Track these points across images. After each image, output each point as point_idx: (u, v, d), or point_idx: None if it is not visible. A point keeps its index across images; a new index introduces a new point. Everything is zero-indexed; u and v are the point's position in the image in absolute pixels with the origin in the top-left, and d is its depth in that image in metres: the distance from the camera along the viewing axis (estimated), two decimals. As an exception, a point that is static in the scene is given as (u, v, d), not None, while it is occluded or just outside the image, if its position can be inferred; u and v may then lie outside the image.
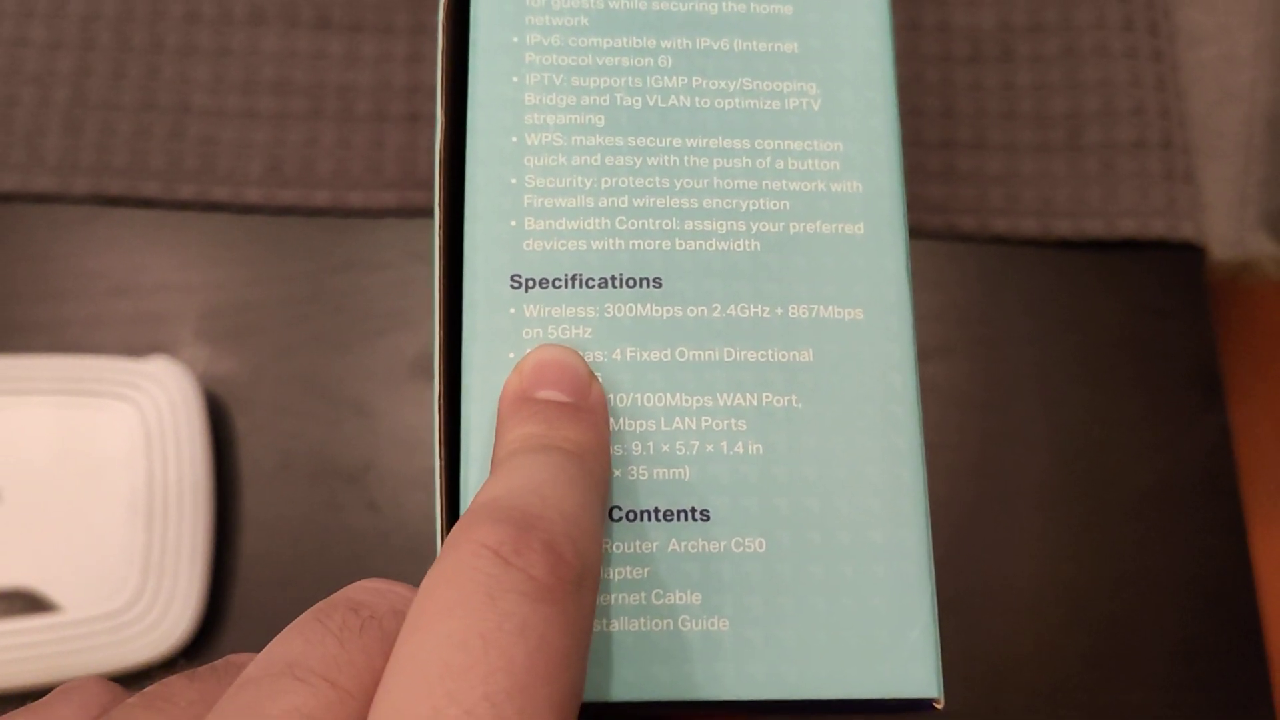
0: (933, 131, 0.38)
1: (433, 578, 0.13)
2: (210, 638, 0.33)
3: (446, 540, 0.14)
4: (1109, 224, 0.37)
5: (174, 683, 0.15)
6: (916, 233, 0.37)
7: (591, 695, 0.15)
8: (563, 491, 0.14)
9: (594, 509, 0.15)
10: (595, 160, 0.17)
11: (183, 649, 0.32)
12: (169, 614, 0.32)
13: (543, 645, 0.12)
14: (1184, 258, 0.37)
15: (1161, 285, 0.37)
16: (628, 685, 0.15)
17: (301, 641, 0.14)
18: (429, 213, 0.37)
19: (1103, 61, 0.38)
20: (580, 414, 0.15)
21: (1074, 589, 0.35)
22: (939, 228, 0.37)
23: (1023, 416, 0.36)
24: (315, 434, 0.35)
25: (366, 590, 0.15)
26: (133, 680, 0.32)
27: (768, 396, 0.16)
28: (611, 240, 0.17)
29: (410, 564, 0.34)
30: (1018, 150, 0.38)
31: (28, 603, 0.32)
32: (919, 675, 0.15)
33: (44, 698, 0.15)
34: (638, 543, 0.16)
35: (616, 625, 0.15)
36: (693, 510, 0.16)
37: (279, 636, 0.14)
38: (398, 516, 0.35)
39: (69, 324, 0.36)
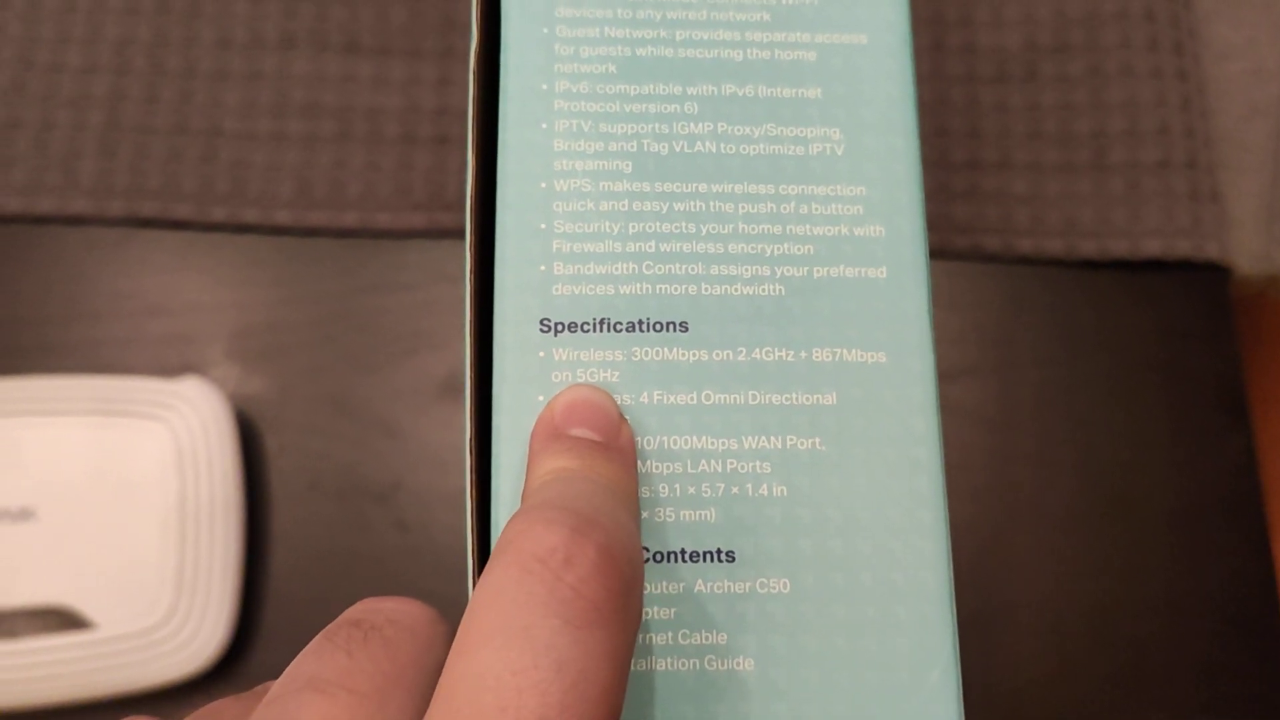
0: (958, 152, 0.38)
1: (480, 594, 0.14)
2: (241, 654, 0.33)
3: (500, 539, 0.14)
4: (1134, 244, 0.37)
5: (223, 702, 0.16)
6: (942, 253, 0.37)
7: (619, 734, 0.15)
8: (605, 501, 0.15)
9: (634, 526, 0.15)
10: (623, 206, 0.17)
11: (215, 665, 0.32)
12: (201, 631, 0.32)
13: (580, 681, 0.13)
14: (1209, 278, 0.37)
15: (1186, 305, 0.37)
16: (654, 724, 0.15)
17: (315, 659, 0.15)
18: (456, 234, 0.37)
19: (1128, 81, 0.38)
20: (611, 452, 0.16)
21: (1098, 609, 0.35)
22: (964, 248, 0.37)
23: (1047, 437, 0.36)
24: (344, 453, 0.36)
25: (361, 609, 0.16)
26: (166, 697, 0.32)
27: (792, 439, 0.17)
28: (639, 285, 0.17)
29: (439, 582, 0.34)
30: (1043, 170, 0.38)
31: (63, 620, 0.32)
32: (941, 715, 0.16)
33: None
34: (665, 583, 0.16)
35: (644, 664, 0.16)
36: (719, 551, 0.16)
37: (296, 659, 0.15)
38: (426, 535, 0.35)
39: (103, 344, 0.36)
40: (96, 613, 0.32)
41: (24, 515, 0.33)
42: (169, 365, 0.36)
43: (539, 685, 0.13)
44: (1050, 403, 0.36)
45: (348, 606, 0.16)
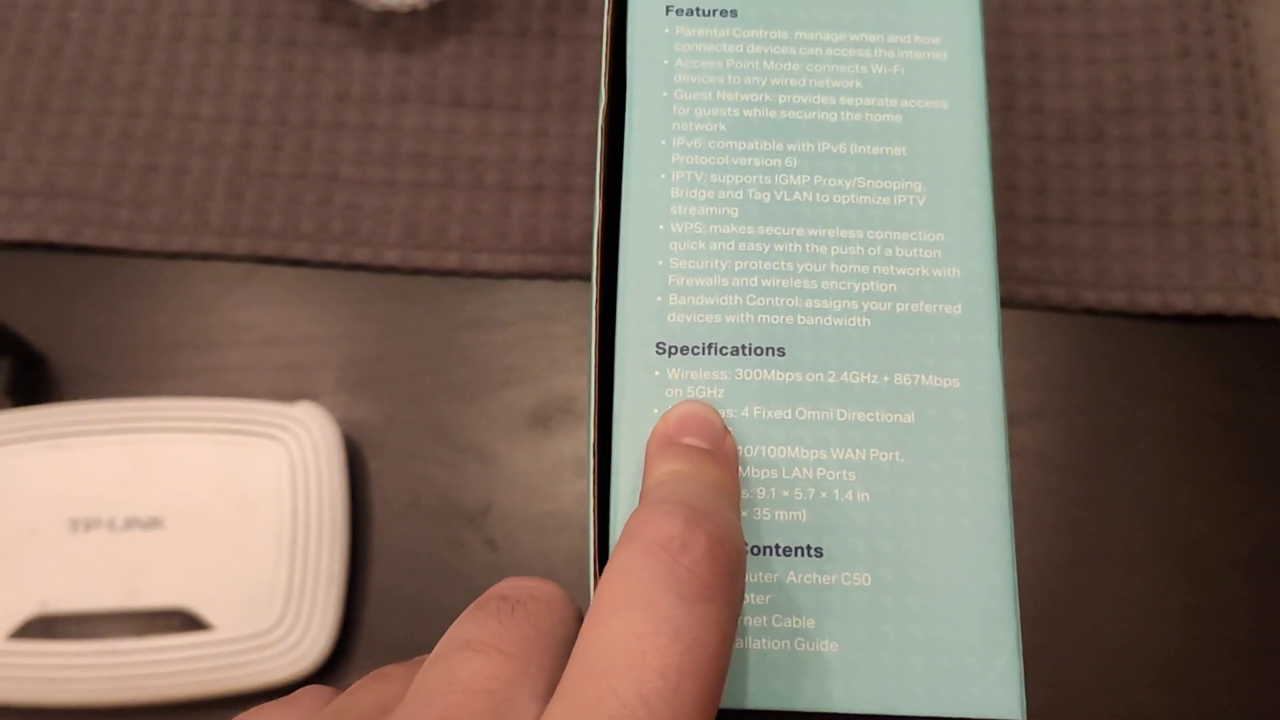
0: (1025, 207, 0.40)
1: (611, 571, 0.16)
2: (344, 657, 0.36)
3: (625, 528, 0.17)
4: (1196, 298, 0.38)
5: (390, 667, 0.18)
6: (1009, 303, 0.39)
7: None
8: (714, 497, 0.17)
9: (738, 520, 0.18)
10: (730, 246, 0.20)
11: (320, 667, 0.35)
12: (308, 635, 0.35)
13: (693, 646, 0.15)
14: (1270, 332, 0.38)
15: (1248, 359, 0.38)
16: (750, 696, 0.18)
17: (471, 625, 0.17)
18: (549, 276, 0.40)
19: (1192, 143, 0.40)
20: (717, 459, 0.18)
21: (1158, 651, 0.36)
22: (1031, 298, 0.39)
23: (1110, 481, 0.37)
24: (441, 476, 0.38)
25: (507, 585, 0.18)
26: (275, 696, 0.35)
27: (875, 452, 0.19)
28: (742, 315, 0.20)
29: (525, 600, 0.37)
30: (1107, 226, 0.39)
31: (185, 621, 0.35)
32: (1004, 699, 0.18)
33: (287, 696, 0.18)
34: (760, 574, 0.18)
35: (741, 644, 0.18)
36: (808, 548, 0.18)
37: (452, 627, 0.18)
38: (514, 554, 0.37)
39: (226, 370, 0.39)
40: (215, 616, 0.35)
41: (154, 524, 0.35)
42: (285, 391, 0.39)
43: (659, 648, 0.15)
44: (1112, 448, 0.38)
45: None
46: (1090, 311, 0.39)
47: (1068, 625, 0.36)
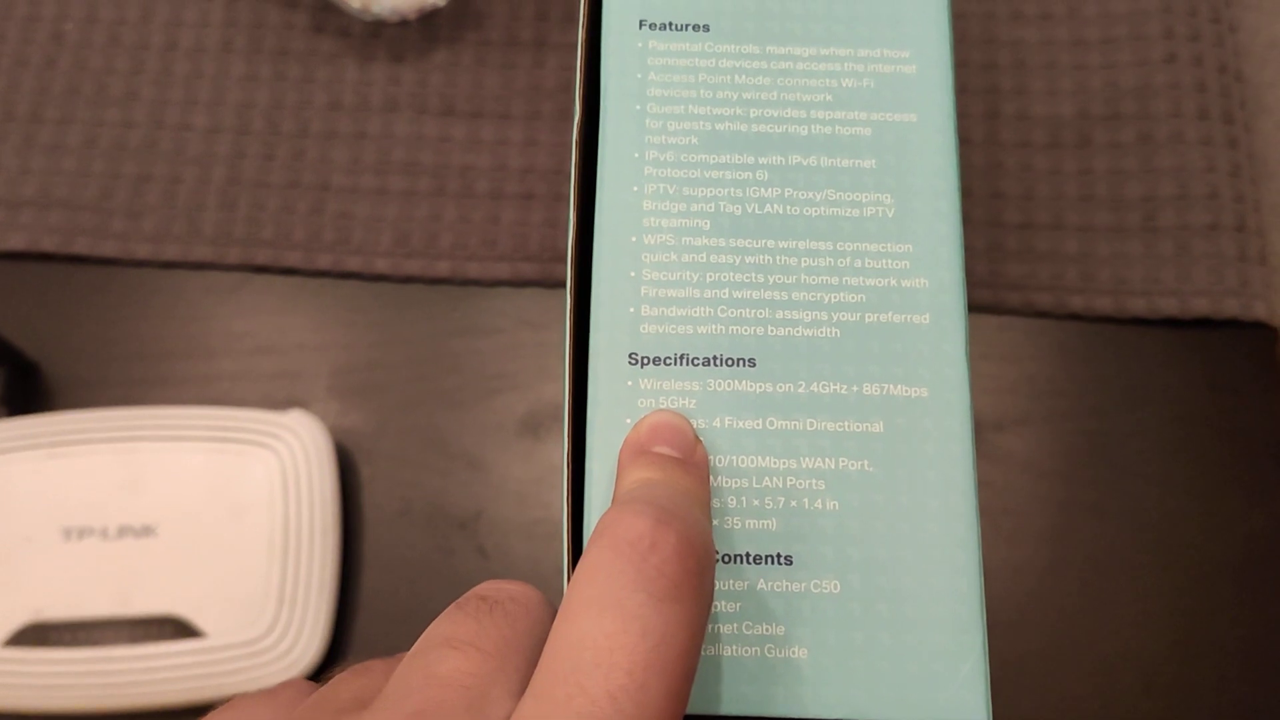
0: (1012, 214, 0.40)
1: (581, 569, 0.17)
2: (336, 664, 0.36)
3: (596, 526, 0.17)
4: (1182, 303, 0.38)
5: (370, 662, 0.19)
6: (995, 308, 0.39)
7: (690, 708, 0.18)
8: (684, 501, 0.18)
9: (708, 524, 0.18)
10: (701, 258, 0.20)
11: (312, 674, 0.35)
12: (300, 642, 0.35)
13: (661, 644, 0.15)
14: (1257, 336, 0.39)
15: (1234, 363, 0.39)
16: (721, 701, 0.18)
17: (450, 624, 0.18)
18: (538, 283, 0.40)
19: (1178, 148, 0.40)
20: (688, 467, 0.19)
21: (1145, 655, 0.36)
22: (1017, 304, 0.39)
23: (1096, 485, 0.38)
24: (432, 483, 0.39)
25: (487, 587, 0.19)
26: (267, 702, 0.35)
27: (844, 461, 0.19)
28: (714, 326, 0.20)
29: (515, 606, 0.37)
30: (1094, 231, 0.40)
31: (177, 629, 0.35)
32: (970, 703, 0.18)
33: (268, 688, 0.19)
34: (731, 581, 0.19)
35: (713, 650, 0.18)
36: (778, 555, 0.19)
37: (432, 625, 0.18)
38: (504, 561, 0.38)
39: (218, 378, 0.40)
40: (207, 623, 0.35)
41: (146, 532, 0.36)
42: (276, 399, 0.39)
43: (627, 646, 0.15)
44: (1099, 453, 0.38)
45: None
46: (1077, 317, 0.39)
47: (1055, 632, 0.36)
